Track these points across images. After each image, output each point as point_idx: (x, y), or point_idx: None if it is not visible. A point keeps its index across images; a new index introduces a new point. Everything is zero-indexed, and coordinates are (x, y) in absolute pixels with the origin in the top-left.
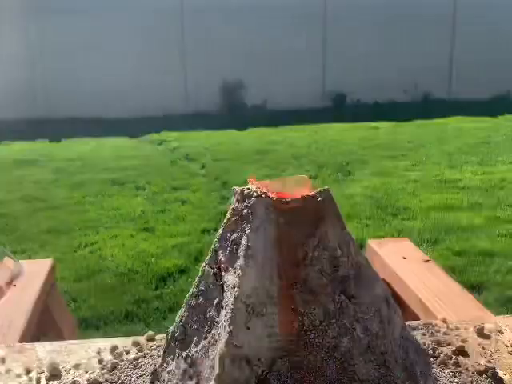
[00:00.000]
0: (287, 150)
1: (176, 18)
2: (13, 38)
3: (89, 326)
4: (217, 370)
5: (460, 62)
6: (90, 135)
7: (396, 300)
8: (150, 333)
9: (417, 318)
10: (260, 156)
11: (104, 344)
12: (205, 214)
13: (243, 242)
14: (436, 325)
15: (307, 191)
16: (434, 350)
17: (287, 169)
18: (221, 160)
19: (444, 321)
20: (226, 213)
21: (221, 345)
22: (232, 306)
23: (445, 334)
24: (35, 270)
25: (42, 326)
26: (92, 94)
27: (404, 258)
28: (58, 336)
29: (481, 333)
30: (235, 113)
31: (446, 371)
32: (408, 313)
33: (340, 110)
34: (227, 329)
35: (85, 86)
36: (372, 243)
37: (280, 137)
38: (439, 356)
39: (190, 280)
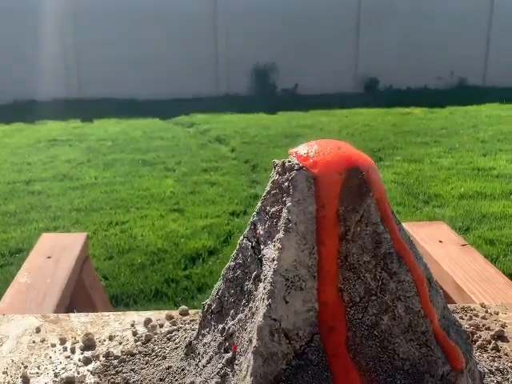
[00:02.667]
0: (317, 135)
1: (209, 4)
2: (48, 18)
3: (119, 304)
4: (254, 343)
5: (496, 49)
6: (121, 116)
7: None
8: (184, 307)
9: (453, 303)
10: (290, 140)
11: (138, 317)
12: (234, 196)
13: (283, 215)
14: (474, 309)
15: (352, 162)
16: (472, 334)
17: None
18: (251, 143)
19: (482, 305)
20: (255, 196)
21: (259, 318)
22: (271, 280)
23: (483, 318)
24: (69, 243)
25: (75, 298)
26: (123, 75)
27: (440, 242)
28: (92, 309)
29: None
30: (266, 96)
31: (485, 355)
32: (445, 297)
33: (372, 95)
34: (265, 302)
35: (117, 67)
36: (407, 226)
37: (310, 121)
38: (477, 340)
39: (218, 261)
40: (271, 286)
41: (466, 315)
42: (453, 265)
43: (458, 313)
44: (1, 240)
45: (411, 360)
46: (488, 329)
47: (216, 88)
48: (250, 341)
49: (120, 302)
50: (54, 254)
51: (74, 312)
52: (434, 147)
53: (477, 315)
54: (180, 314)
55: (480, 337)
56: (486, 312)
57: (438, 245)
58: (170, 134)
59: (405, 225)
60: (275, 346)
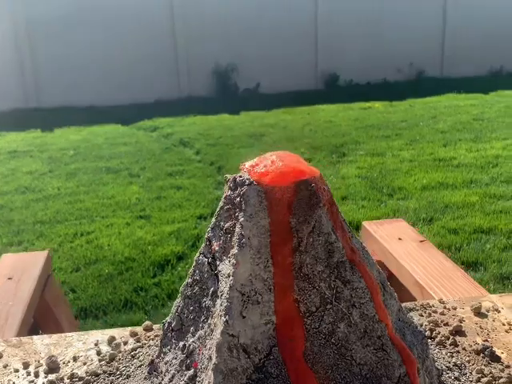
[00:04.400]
0: (281, 133)
1: (167, 1)
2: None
3: (88, 316)
4: (214, 360)
5: (453, 40)
6: (82, 124)
7: (392, 281)
8: (148, 323)
9: (413, 299)
10: (254, 140)
11: (102, 336)
12: (201, 199)
13: (237, 230)
14: (433, 305)
15: (301, 174)
16: (431, 330)
17: None
18: (215, 145)
19: (441, 301)
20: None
21: (217, 334)
22: (227, 295)
23: (442, 314)
24: (31, 262)
25: (39, 318)
26: (82, 82)
27: (399, 239)
28: (57, 327)
29: (478, 312)
30: (228, 97)
31: (444, 352)
32: (404, 294)
33: (333, 90)
34: (223, 318)
35: (76, 74)
36: (367, 225)
37: (273, 120)
38: (436, 337)
39: (187, 266)
40: (228, 302)
41: (425, 312)
42: (412, 262)
43: (418, 310)
44: None
45: (368, 365)
46: (446, 324)
47: (178, 91)
48: (210, 358)
49: (89, 314)
50: (15, 275)
51: (38, 333)
52: (396, 140)
53: (436, 311)
54: (144, 329)
55: (439, 333)
56: (445, 308)
57: (397, 242)
58: (133, 140)
59: (365, 223)
60: (234, 362)
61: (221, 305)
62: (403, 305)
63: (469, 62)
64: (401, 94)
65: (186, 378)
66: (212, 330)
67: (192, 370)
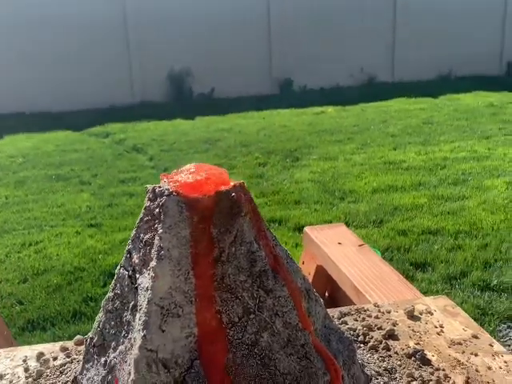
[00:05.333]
0: (236, 138)
1: (119, 7)
2: None
3: (35, 328)
4: (132, 376)
5: (402, 44)
6: (33, 130)
7: (333, 285)
8: (79, 337)
9: (351, 303)
10: (209, 145)
11: (31, 351)
12: None
13: (156, 242)
14: (367, 309)
15: (222, 184)
16: (364, 335)
17: (236, 157)
18: (169, 150)
19: (375, 305)
20: None
21: (135, 350)
22: (145, 310)
23: (376, 318)
24: None
25: None
26: (33, 88)
27: (339, 244)
28: None
29: (411, 315)
30: (182, 102)
31: (376, 356)
32: (343, 298)
33: (287, 95)
34: (141, 333)
35: (26, 79)
36: (309, 230)
37: (228, 124)
38: (369, 341)
39: None
40: (146, 316)
41: (359, 317)
42: (350, 266)
43: (353, 315)
44: None
45: (292, 374)
46: (380, 328)
47: (131, 96)
48: (130, 373)
49: (36, 326)
50: None
51: None
52: (348, 144)
53: (370, 315)
54: (75, 344)
55: (372, 337)
56: (379, 311)
57: (337, 247)
58: (85, 146)
59: (306, 229)
60: (154, 377)
61: (139, 319)
62: (339, 309)
63: (419, 66)
64: (353, 99)
65: None
66: (132, 345)
67: None
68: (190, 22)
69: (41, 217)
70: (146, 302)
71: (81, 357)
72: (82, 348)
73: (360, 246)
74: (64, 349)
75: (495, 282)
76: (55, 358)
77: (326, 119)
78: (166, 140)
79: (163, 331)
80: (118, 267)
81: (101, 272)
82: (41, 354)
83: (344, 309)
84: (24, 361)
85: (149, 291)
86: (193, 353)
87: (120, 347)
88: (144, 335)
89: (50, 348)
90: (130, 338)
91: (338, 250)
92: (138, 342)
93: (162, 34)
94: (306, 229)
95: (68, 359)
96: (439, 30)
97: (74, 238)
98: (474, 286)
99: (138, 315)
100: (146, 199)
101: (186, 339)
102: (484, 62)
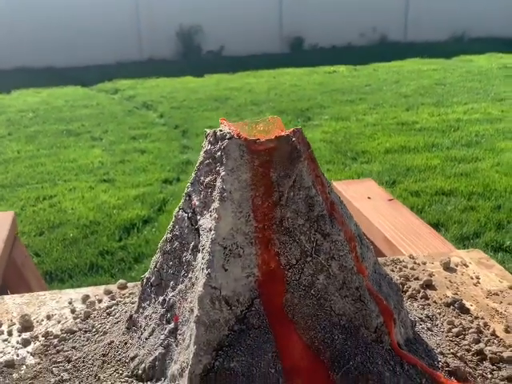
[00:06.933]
0: (246, 97)
1: None
2: None
3: (53, 280)
4: (196, 312)
5: (416, 4)
6: (41, 85)
7: None
8: (122, 281)
9: (384, 256)
10: (219, 103)
11: (75, 294)
12: (166, 163)
13: (218, 184)
14: (403, 260)
15: (279, 131)
16: (402, 284)
17: (247, 116)
18: (179, 108)
19: (411, 256)
20: (187, 162)
21: (199, 287)
22: (209, 249)
23: (412, 269)
24: None
25: (8, 278)
26: (39, 42)
27: (369, 198)
28: (26, 288)
29: (447, 267)
30: (191, 59)
31: (415, 304)
32: (374, 251)
33: (298, 54)
34: (205, 271)
35: (32, 34)
36: (336, 184)
37: (238, 83)
38: (407, 290)
39: (154, 230)
40: (209, 255)
41: (396, 267)
42: (381, 219)
43: (389, 265)
44: None
45: (347, 315)
46: (417, 279)
47: (139, 53)
48: (192, 310)
49: (54, 277)
50: None
51: (7, 293)
52: (360, 104)
53: (406, 266)
54: (118, 288)
55: (410, 287)
56: (415, 263)
57: (366, 201)
58: (94, 102)
59: (335, 183)
60: (217, 314)
61: (202, 258)
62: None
63: (432, 26)
64: (365, 58)
65: (166, 332)
66: (193, 284)
67: (172, 324)
68: None
69: (54, 171)
70: (209, 242)
71: (126, 300)
72: (126, 291)
73: (390, 200)
74: (108, 292)
75: (508, 243)
76: (100, 301)
77: (337, 79)
78: (176, 97)
79: (226, 270)
80: (177, 209)
81: (116, 226)
82: (86, 297)
83: (380, 259)
84: (70, 303)
85: (212, 231)
86: (253, 292)
87: (179, 286)
88: (208, 273)
89: (94, 291)
90: (191, 277)
91: (367, 204)
92: (202, 279)
93: None
94: (334, 183)
95: (113, 301)
96: None
97: (87, 192)
98: (487, 246)
99: (199, 255)
100: (206, 142)
101: (247, 279)
102: (499, 22)
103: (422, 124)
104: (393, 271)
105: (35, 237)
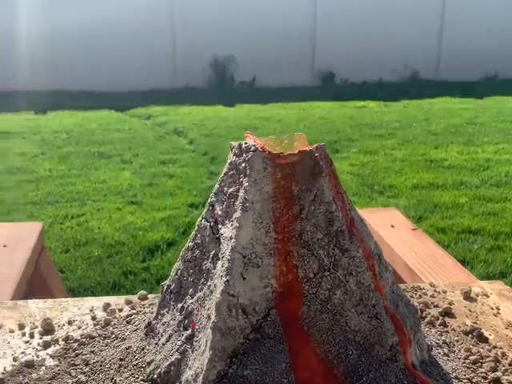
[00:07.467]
0: (275, 127)
1: None
2: None
3: (76, 296)
4: (213, 318)
5: (449, 43)
6: (76, 108)
7: None
8: (143, 292)
9: (403, 283)
10: (249, 131)
11: (97, 302)
12: (193, 188)
13: (241, 194)
14: (423, 288)
15: (303, 147)
16: (421, 311)
17: None
18: (209, 135)
19: (431, 284)
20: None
21: (217, 294)
22: (229, 257)
23: (432, 296)
24: (26, 232)
25: (33, 286)
26: (78, 66)
27: (392, 226)
28: (49, 297)
29: (467, 296)
30: (224, 89)
31: (433, 330)
32: (396, 278)
33: (329, 88)
34: (224, 278)
35: (70, 58)
36: (361, 212)
37: (268, 113)
38: (426, 317)
39: (178, 253)
40: (229, 263)
41: (415, 294)
42: (404, 248)
43: (409, 292)
44: None
45: (362, 332)
46: (436, 306)
47: (174, 80)
48: (209, 317)
49: (77, 294)
50: (11, 243)
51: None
52: (389, 139)
53: (426, 293)
54: (139, 298)
55: (429, 313)
56: (435, 291)
57: (390, 229)
58: (127, 126)
59: (359, 211)
60: (233, 321)
61: (222, 266)
62: None
63: (464, 65)
64: (395, 95)
65: (183, 338)
66: (211, 292)
67: (190, 330)
68: (236, 10)
69: (83, 191)
70: (229, 250)
71: (146, 309)
72: (147, 302)
73: (413, 229)
74: (128, 302)
75: None
76: (121, 310)
77: (367, 113)
78: (206, 125)
79: (244, 278)
80: (200, 219)
81: (140, 247)
82: (107, 305)
83: (400, 285)
84: (91, 310)
85: (232, 240)
86: (269, 302)
87: (198, 294)
88: (227, 280)
89: (115, 300)
90: (210, 285)
91: (391, 232)
92: (220, 286)
93: (207, 21)
94: (359, 211)
95: (134, 311)
96: (488, 29)
97: (114, 213)
98: None
99: (219, 263)
100: (232, 155)
101: (264, 289)
102: None
103: (451, 162)
104: (412, 297)
105: (61, 254)
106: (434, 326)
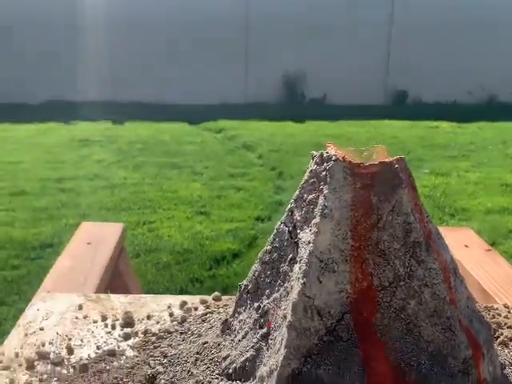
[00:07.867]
0: (345, 145)
1: (242, 7)
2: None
3: None
4: (289, 318)
5: None
6: (151, 119)
7: None
8: (217, 293)
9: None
10: (317, 149)
11: (174, 300)
12: (260, 202)
13: (320, 201)
14: (497, 309)
15: (384, 159)
16: (494, 331)
17: None
18: (277, 151)
19: (505, 306)
20: (280, 202)
21: (294, 295)
22: (306, 260)
23: (505, 317)
24: (108, 232)
25: (112, 283)
26: (156, 80)
27: (466, 246)
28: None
29: None
30: (294, 105)
31: (506, 351)
32: None
33: (401, 108)
34: (301, 281)
35: (150, 71)
36: None
37: (338, 131)
38: (499, 337)
39: (242, 264)
40: (306, 266)
41: (489, 314)
42: (477, 268)
43: (482, 311)
44: (32, 234)
45: (435, 343)
46: (510, 327)
47: (244, 95)
48: (285, 317)
49: None
50: (94, 241)
51: None
52: (462, 161)
53: (499, 314)
54: (213, 299)
55: (502, 334)
56: (509, 312)
57: (463, 249)
58: (199, 139)
59: None
60: (308, 322)
61: (299, 269)
62: None
63: None
64: (470, 116)
65: (258, 336)
66: (288, 293)
67: (265, 329)
68: (309, 27)
69: (155, 199)
70: (306, 254)
71: (220, 309)
72: (221, 303)
73: (488, 250)
74: (203, 301)
75: None
76: (196, 308)
77: (439, 134)
78: (275, 141)
79: (320, 282)
80: (278, 224)
81: (207, 256)
82: (184, 303)
83: None
84: (168, 307)
85: (310, 244)
86: (344, 307)
87: (274, 295)
88: (304, 282)
89: (191, 299)
90: (286, 287)
91: (465, 251)
92: (297, 288)
93: (280, 38)
94: None
95: (209, 310)
96: None
97: (184, 222)
98: None
99: (297, 266)
100: (313, 163)
101: (339, 294)
102: None
103: None
104: (485, 317)
105: (132, 258)
106: (507, 347)
